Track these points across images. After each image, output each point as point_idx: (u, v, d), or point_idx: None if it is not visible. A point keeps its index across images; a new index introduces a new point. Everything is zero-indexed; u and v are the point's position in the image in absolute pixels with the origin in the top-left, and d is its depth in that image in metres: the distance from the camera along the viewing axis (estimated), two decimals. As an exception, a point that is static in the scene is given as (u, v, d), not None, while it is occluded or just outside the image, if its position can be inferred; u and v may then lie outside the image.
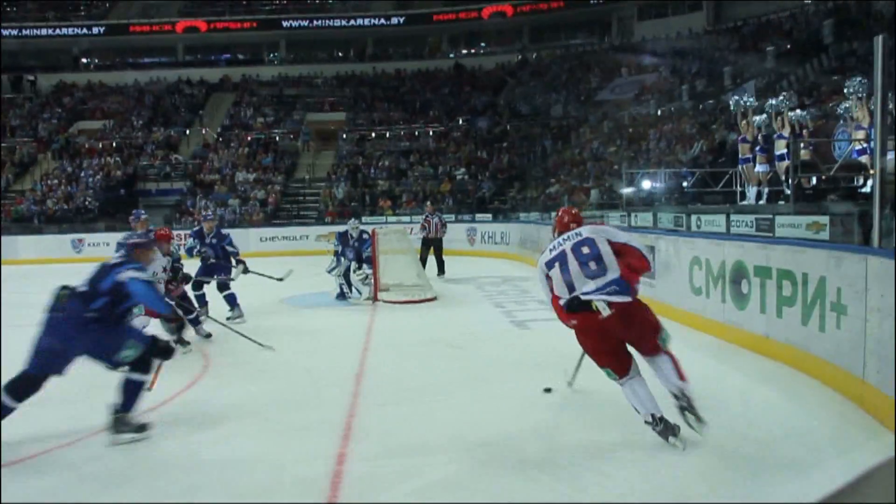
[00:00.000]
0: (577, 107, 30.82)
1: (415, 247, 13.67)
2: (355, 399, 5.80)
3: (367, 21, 40.78)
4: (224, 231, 10.53)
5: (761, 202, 11.72)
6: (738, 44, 27.69)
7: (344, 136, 32.01)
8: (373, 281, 11.52)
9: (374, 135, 31.80)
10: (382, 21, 40.66)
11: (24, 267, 18.84)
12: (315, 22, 40.97)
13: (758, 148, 11.77)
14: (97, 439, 4.90)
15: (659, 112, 25.16)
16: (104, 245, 23.54)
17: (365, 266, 11.64)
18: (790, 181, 9.91)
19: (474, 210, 23.96)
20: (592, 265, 4.50)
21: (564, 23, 39.00)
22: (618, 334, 4.51)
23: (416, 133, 31.56)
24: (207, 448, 4.72)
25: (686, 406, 4.44)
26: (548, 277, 4.74)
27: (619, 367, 4.56)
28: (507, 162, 28.37)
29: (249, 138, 31.89)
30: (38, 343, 4.97)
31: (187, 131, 33.58)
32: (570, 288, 4.53)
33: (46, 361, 4.93)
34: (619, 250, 4.59)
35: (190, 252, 10.09)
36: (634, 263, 4.56)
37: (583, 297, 4.45)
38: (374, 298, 11.36)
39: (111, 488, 4.10)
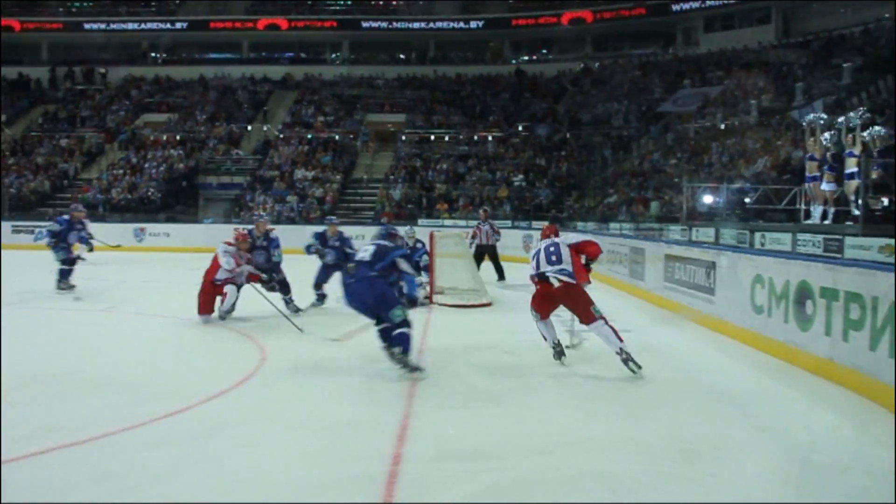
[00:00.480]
0: (639, 117, 30.52)
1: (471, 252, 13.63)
2: (410, 400, 5.81)
3: (445, 24, 40.81)
4: (273, 235, 10.62)
5: (826, 222, 11.47)
6: (808, 58, 27.14)
7: (403, 137, 32.19)
8: (428, 285, 11.57)
9: (433, 138, 31.92)
10: (461, 24, 40.74)
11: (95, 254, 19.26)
12: (395, 24, 41.19)
13: (826, 166, 11.51)
14: (158, 425, 5.01)
15: (723, 125, 24.76)
16: (164, 235, 24.15)
17: (423, 273, 11.60)
18: (859, 201, 9.66)
19: (531, 217, 23.87)
20: (553, 258, 7.11)
21: (628, 32, 38.66)
22: (559, 300, 7.19)
23: (475, 137, 31.58)
24: (262, 442, 4.77)
25: (627, 358, 6.65)
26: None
27: (545, 314, 7.30)
28: (566, 170, 28.21)
29: (310, 136, 32.27)
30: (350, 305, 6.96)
31: (249, 127, 34.15)
32: (538, 268, 7.24)
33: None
34: (580, 247, 7.18)
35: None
36: (589, 248, 7.16)
37: (545, 273, 7.13)
38: (430, 302, 11.39)
39: (165, 477, 4.15)
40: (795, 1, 32.81)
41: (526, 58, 40.91)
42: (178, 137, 32.93)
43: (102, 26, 41.74)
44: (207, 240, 17.67)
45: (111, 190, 28.49)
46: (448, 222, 23.60)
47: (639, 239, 14.50)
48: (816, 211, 11.96)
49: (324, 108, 35.42)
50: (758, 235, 11.57)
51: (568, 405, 5.75)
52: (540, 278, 7.20)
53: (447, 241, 12.75)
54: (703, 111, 27.48)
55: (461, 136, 31.70)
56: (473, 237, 15.10)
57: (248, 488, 3.98)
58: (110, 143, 33.39)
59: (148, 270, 15.68)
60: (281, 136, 32.98)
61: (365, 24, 41.16)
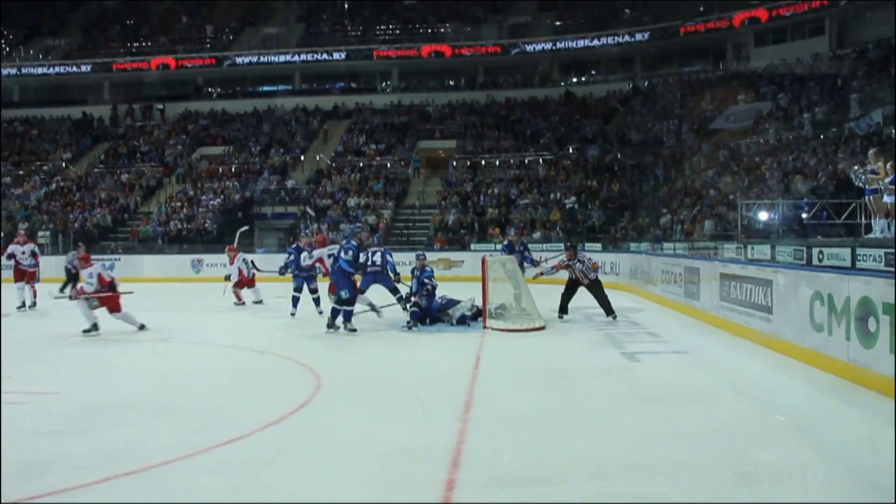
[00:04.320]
0: (690, 135, 30.19)
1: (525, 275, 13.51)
2: (464, 425, 5.79)
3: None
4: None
5: (889, 235, 11.17)
6: (864, 68, 26.58)
7: (454, 163, 32.36)
8: (479, 308, 11.61)
9: (483, 162, 32.02)
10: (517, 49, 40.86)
11: (146, 285, 19.75)
12: (460, 52, 41.30)
13: (888, 179, 11.23)
14: (216, 453, 5.09)
15: (777, 141, 24.36)
16: (221, 266, 24.52)
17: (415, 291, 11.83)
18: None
19: (584, 239, 23.74)
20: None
21: (677, 50, 38.33)
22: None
23: (526, 161, 31.58)
24: (317, 469, 4.81)
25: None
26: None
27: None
28: (618, 191, 28.02)
29: (362, 164, 32.64)
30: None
31: (302, 157, 34.71)
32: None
33: None
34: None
35: None
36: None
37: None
38: (483, 327, 11.40)
39: None
40: (850, 10, 32.19)
41: (575, 79, 40.84)
42: (233, 169, 33.68)
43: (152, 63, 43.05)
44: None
45: (169, 222, 29.21)
46: (500, 246, 23.57)
47: (693, 258, 14.30)
48: (878, 224, 11.67)
49: (375, 136, 35.83)
50: (815, 251, 11.31)
51: (623, 428, 5.67)
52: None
53: (499, 265, 12.72)
54: (757, 127, 27.08)
55: (512, 160, 31.74)
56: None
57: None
58: (168, 176, 34.30)
59: (204, 300, 15.95)
60: (333, 164, 33.44)
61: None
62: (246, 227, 14.16)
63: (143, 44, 44.72)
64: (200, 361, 9.29)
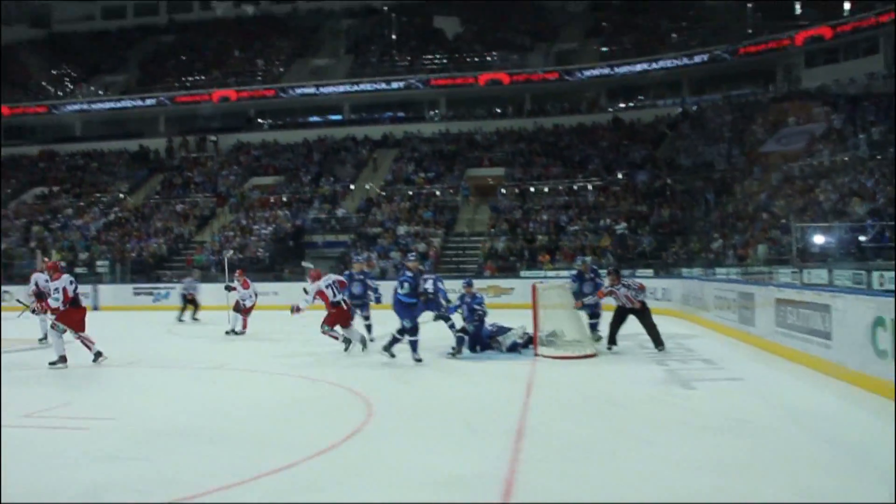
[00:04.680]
0: (741, 158, 29.81)
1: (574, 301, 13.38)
2: (516, 454, 5.75)
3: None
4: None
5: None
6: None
7: (503, 190, 32.41)
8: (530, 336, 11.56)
9: (532, 189, 32.00)
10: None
11: (201, 312, 20.09)
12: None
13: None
14: (269, 479, 5.13)
15: (831, 162, 23.91)
16: (273, 294, 24.82)
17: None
18: None
19: (635, 265, 23.51)
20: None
21: (726, 73, 38.00)
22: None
23: (575, 187, 31.49)
24: (368, 496, 4.81)
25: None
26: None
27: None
28: (669, 216, 27.74)
29: (411, 192, 32.89)
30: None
31: (352, 186, 35.09)
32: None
33: None
34: None
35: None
36: None
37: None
38: (535, 354, 11.34)
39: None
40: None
41: (622, 105, 40.73)
42: (284, 198, 34.20)
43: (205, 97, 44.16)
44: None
45: (223, 251, 29.67)
46: (551, 273, 23.47)
47: (747, 283, 14.06)
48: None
49: (424, 164, 36.09)
50: (876, 275, 11.04)
51: (678, 458, 5.57)
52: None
53: (550, 292, 12.65)
54: (810, 148, 26.63)
55: (561, 187, 31.68)
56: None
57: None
58: (221, 206, 34.96)
59: (256, 328, 16.15)
60: (383, 193, 33.73)
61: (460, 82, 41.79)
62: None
63: (198, 78, 45.85)
64: (252, 389, 9.38)
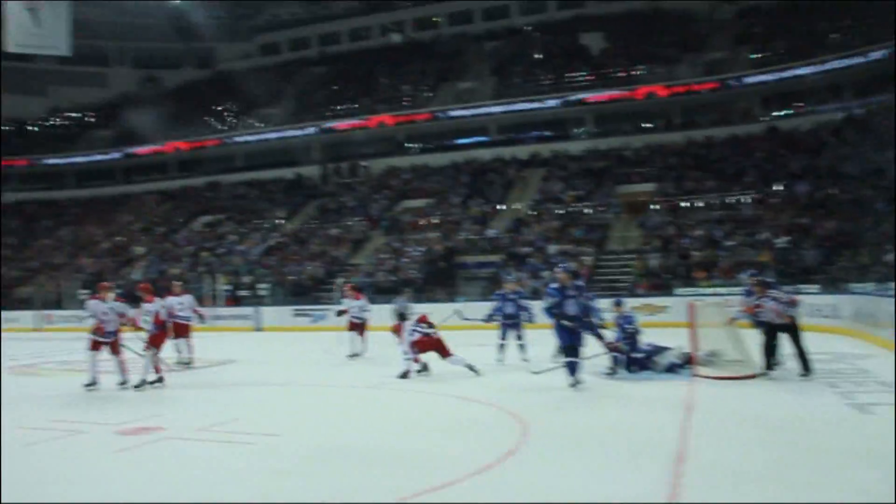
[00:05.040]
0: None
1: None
2: (677, 479, 5.70)
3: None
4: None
5: None
6: None
7: (655, 206, 31.83)
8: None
9: (685, 204, 31.24)
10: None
11: (375, 333, 20.79)
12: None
13: None
14: (427, 498, 5.37)
15: None
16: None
17: None
18: None
19: (798, 281, 22.50)
20: None
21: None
22: None
23: (730, 201, 30.48)
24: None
25: None
26: None
27: None
28: (834, 228, 26.38)
29: (560, 212, 32.85)
30: None
31: (501, 206, 35.41)
32: None
33: None
34: None
35: None
36: None
37: None
38: (693, 373, 11.16)
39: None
40: None
41: (779, 113, 39.05)
42: (434, 220, 34.98)
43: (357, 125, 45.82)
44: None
45: (376, 273, 30.75)
46: (707, 290, 22.86)
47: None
48: None
49: (572, 182, 35.96)
50: None
51: (857, 489, 5.35)
52: None
53: (708, 310, 12.43)
54: None
55: (715, 201, 30.76)
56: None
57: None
58: (374, 229, 36.14)
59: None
60: (532, 212, 33.87)
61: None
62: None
63: (351, 106, 47.60)
64: (409, 408, 9.73)
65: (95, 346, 11.60)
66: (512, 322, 14.05)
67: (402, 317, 19.20)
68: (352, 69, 52.39)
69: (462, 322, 15.48)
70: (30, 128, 57.20)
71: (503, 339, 14.06)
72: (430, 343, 12.39)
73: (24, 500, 5.65)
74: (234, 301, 31.30)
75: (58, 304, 34.62)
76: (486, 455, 6.55)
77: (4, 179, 51.69)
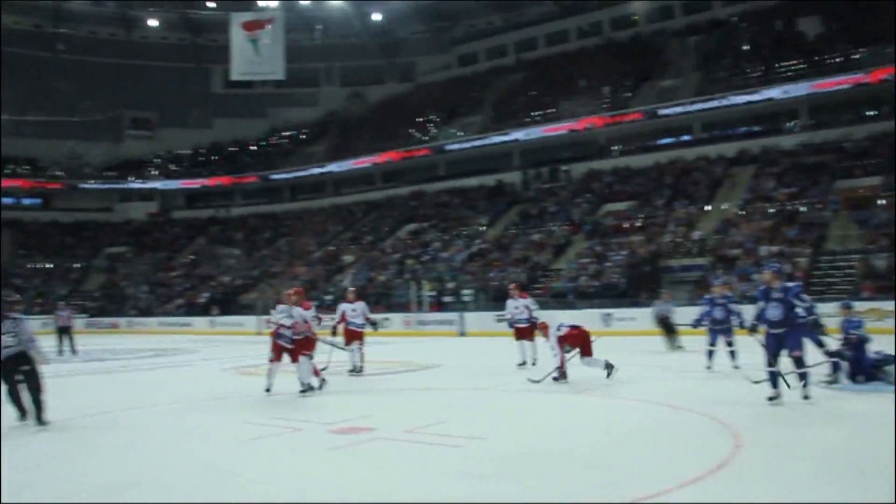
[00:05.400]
0: None
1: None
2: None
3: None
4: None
5: None
6: None
7: (881, 201, 29.08)
8: None
9: (916, 198, 28.32)
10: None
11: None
12: None
13: None
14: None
15: None
16: (630, 320, 24.66)
17: None
18: None
19: None
20: None
21: None
22: None
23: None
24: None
25: None
26: None
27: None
28: None
29: (772, 210, 30.88)
30: None
31: (707, 207, 33.84)
32: None
33: None
34: None
35: None
36: None
37: None
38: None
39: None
40: None
41: None
42: (638, 224, 33.98)
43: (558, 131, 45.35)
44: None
45: (579, 278, 30.30)
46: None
47: None
48: None
49: (785, 179, 33.67)
50: None
51: None
52: None
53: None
54: None
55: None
56: None
57: None
58: (576, 233, 35.72)
59: (614, 355, 16.12)
60: (741, 212, 32.07)
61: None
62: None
63: (549, 111, 47.23)
64: (616, 414, 9.45)
65: (277, 351, 11.73)
66: (721, 327, 13.34)
67: (665, 323, 18.19)
68: (550, 73, 52.14)
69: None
70: (252, 147, 62.02)
71: (712, 344, 13.38)
72: (578, 338, 12.28)
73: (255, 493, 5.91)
74: (439, 306, 32.04)
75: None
76: (695, 466, 6.18)
77: (236, 195, 58.99)
